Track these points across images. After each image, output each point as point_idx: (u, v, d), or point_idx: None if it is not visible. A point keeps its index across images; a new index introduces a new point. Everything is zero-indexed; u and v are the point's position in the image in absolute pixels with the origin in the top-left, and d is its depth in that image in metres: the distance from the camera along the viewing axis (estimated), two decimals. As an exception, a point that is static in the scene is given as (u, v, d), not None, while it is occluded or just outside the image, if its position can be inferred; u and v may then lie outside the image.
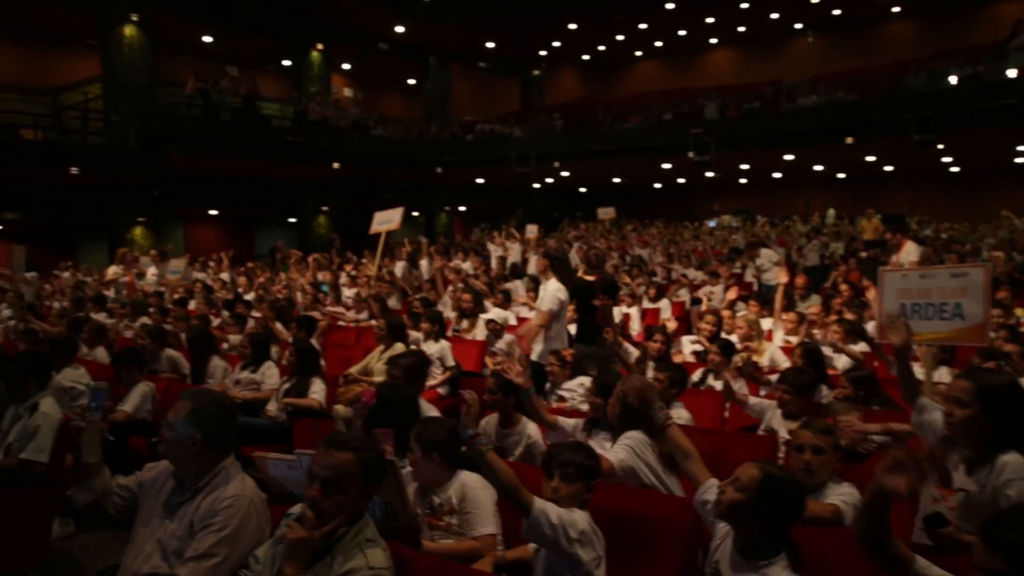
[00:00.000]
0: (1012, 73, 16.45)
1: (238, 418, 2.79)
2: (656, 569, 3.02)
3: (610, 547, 2.76)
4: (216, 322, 8.67)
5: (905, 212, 23.27)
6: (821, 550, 2.71)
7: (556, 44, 28.43)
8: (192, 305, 9.86)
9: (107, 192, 18.43)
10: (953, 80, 17.79)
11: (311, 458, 2.31)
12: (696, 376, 5.75)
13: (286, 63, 24.39)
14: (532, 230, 16.53)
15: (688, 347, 6.77)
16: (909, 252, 10.72)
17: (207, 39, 22.32)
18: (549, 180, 26.49)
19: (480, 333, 7.91)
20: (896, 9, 25.83)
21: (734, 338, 6.43)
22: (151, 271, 12.70)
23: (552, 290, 6.14)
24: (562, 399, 5.25)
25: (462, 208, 29.57)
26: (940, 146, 18.00)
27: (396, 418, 3.42)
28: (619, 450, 3.47)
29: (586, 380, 5.13)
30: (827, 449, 3.18)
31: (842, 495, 3.10)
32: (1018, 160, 21.92)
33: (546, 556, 2.74)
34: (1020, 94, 15.85)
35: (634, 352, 5.66)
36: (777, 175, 26.17)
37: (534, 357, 6.16)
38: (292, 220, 24.74)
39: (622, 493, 3.23)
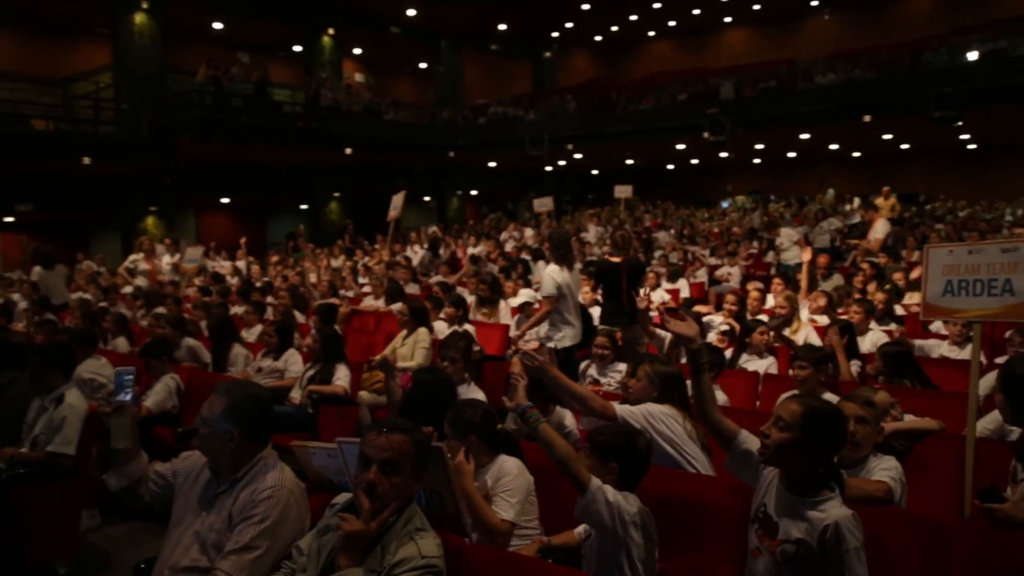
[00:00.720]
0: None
1: (273, 409, 2.71)
2: (704, 553, 2.93)
3: (658, 531, 2.67)
4: (233, 311, 8.62)
5: (920, 191, 23.05)
6: (874, 533, 2.57)
7: (568, 25, 28.12)
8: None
9: (119, 182, 18.35)
10: (973, 56, 17.50)
11: (362, 442, 2.23)
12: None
13: (297, 49, 24.26)
14: (545, 203, 15.13)
15: (718, 326, 6.67)
16: (877, 230, 10.80)
17: (217, 26, 22.21)
18: (562, 163, 26.30)
19: (503, 317, 7.81)
20: (915, -15, 25.50)
21: (763, 317, 6.34)
22: (166, 260, 12.67)
23: (547, 273, 6.04)
24: (596, 382, 5.15)
25: (474, 192, 29.44)
26: (959, 123, 17.74)
27: (435, 403, 3.33)
28: (633, 408, 3.36)
29: (623, 366, 5.03)
30: (871, 420, 3.11)
31: (887, 469, 3.01)
32: (1038, 137, 21.61)
33: (598, 541, 2.64)
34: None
35: (667, 337, 5.56)
36: (792, 155, 25.93)
37: (542, 336, 6.06)
38: (304, 207, 24.67)
39: (667, 476, 3.14)
